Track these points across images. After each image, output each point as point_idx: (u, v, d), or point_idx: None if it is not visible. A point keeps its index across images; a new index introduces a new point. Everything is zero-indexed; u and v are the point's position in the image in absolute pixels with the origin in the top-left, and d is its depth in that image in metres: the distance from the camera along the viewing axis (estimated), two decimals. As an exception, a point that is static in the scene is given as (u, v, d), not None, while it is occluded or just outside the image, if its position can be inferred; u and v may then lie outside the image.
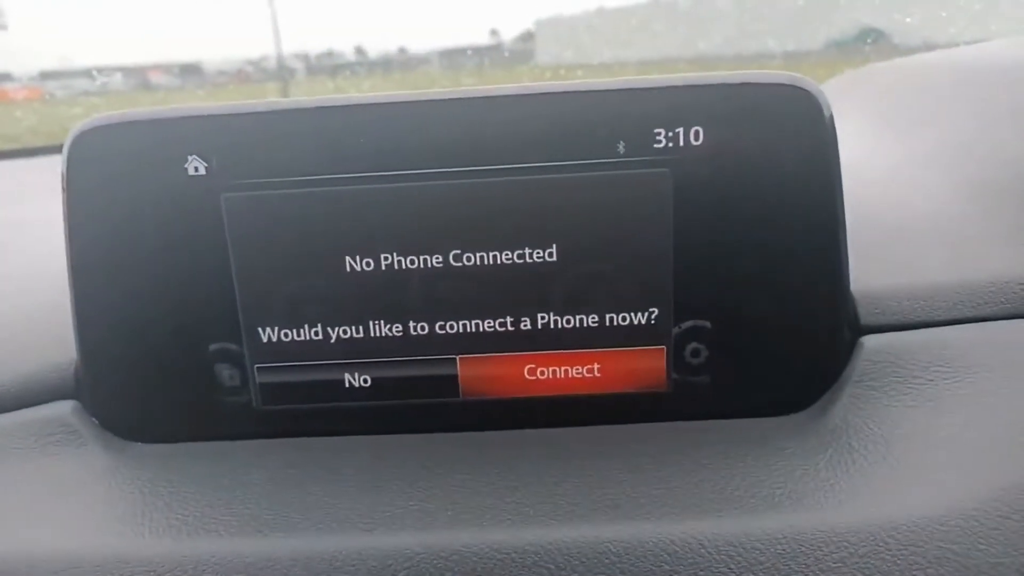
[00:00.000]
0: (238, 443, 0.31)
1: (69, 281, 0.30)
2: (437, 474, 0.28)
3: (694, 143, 0.28)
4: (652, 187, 0.28)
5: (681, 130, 0.28)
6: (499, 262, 0.29)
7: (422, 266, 0.29)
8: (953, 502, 0.24)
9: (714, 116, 0.28)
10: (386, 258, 0.29)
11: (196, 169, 0.29)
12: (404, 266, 0.29)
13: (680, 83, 0.28)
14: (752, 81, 0.28)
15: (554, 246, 0.29)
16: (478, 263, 0.29)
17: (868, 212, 0.35)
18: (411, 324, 0.30)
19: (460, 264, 0.29)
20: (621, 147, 0.28)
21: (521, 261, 0.29)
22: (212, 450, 0.31)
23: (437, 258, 0.29)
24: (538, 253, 0.29)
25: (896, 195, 0.38)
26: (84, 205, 0.30)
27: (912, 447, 0.27)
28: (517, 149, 0.28)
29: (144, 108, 0.29)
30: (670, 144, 0.28)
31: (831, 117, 0.28)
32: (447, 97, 0.28)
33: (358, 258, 0.29)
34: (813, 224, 0.29)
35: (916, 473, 0.26)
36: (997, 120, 0.39)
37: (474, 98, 0.28)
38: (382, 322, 0.30)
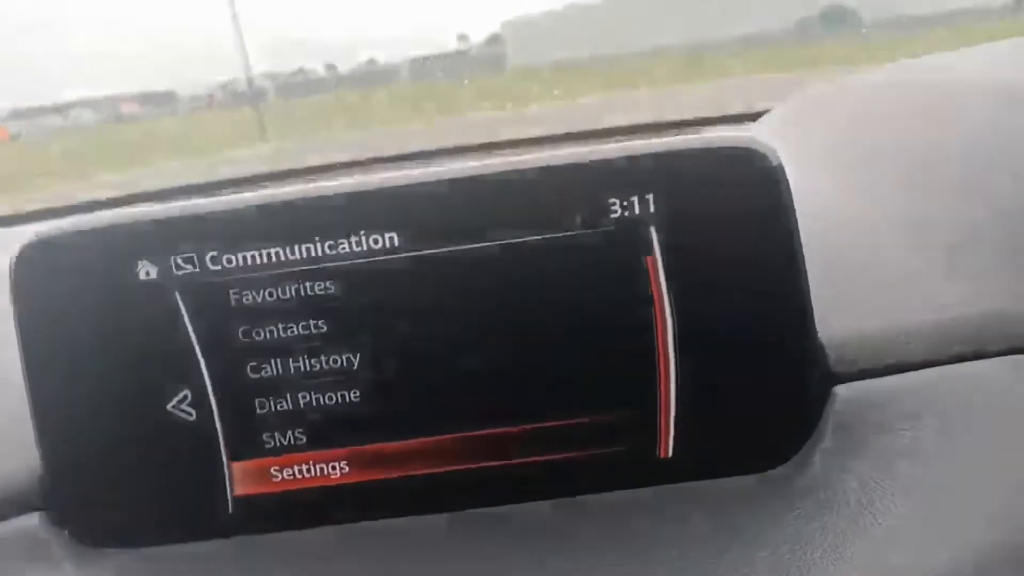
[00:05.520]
0: (215, 544, 0.30)
1: (27, 392, 0.30)
2: (414, 562, 0.28)
3: (649, 210, 0.28)
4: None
5: (636, 199, 0.28)
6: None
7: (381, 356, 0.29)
8: (936, 563, 0.24)
9: (666, 182, 0.28)
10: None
11: (148, 273, 0.29)
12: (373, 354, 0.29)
13: (632, 152, 0.28)
14: (701, 147, 0.28)
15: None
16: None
17: (831, 254, 0.35)
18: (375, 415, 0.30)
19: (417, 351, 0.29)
20: (578, 220, 0.28)
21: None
22: (188, 553, 0.30)
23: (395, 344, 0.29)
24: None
25: (858, 233, 0.38)
26: (35, 319, 0.29)
27: (891, 502, 0.26)
28: (475, 228, 0.28)
29: (89, 216, 0.29)
30: (626, 213, 0.28)
31: (783, 173, 0.28)
32: (395, 184, 0.28)
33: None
34: (775, 280, 0.29)
35: (896, 530, 0.25)
36: (954, 148, 0.39)
37: (423, 183, 0.28)
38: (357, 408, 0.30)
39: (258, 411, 0.30)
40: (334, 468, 0.30)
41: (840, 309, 0.32)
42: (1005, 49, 0.52)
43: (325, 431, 0.30)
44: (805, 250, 0.29)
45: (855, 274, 0.35)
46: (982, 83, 0.43)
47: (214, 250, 0.29)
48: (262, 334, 0.29)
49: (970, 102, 0.42)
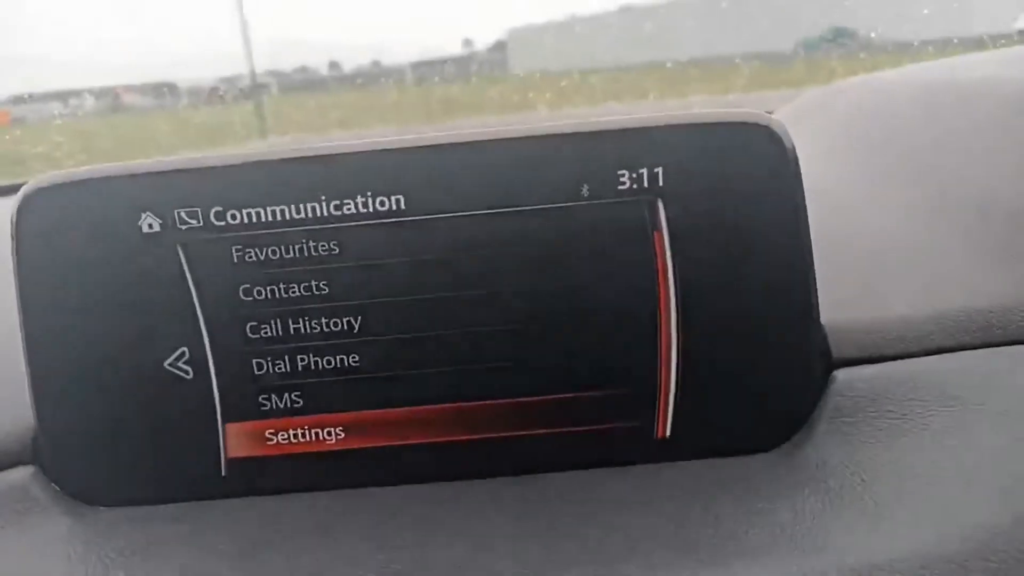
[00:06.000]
0: (207, 503, 0.30)
1: (22, 343, 0.29)
2: (405, 530, 0.28)
3: (658, 184, 0.28)
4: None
5: (645, 171, 0.28)
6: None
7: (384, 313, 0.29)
8: (934, 546, 0.24)
9: (677, 156, 0.28)
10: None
11: (151, 226, 0.28)
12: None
13: (642, 124, 0.28)
14: (713, 121, 0.28)
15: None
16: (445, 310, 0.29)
17: (837, 242, 0.35)
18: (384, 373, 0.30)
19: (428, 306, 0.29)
20: (585, 190, 0.28)
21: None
22: (179, 512, 0.30)
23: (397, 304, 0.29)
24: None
25: (865, 222, 0.38)
26: (35, 265, 0.29)
27: (890, 486, 0.26)
28: (481, 194, 0.28)
29: (95, 165, 0.29)
30: (634, 186, 0.28)
31: (793, 152, 0.28)
32: (402, 147, 0.28)
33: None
34: (780, 260, 0.29)
35: (895, 514, 0.25)
36: (962, 142, 0.40)
37: (430, 147, 0.28)
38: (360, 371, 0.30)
39: (256, 372, 0.29)
40: (329, 434, 0.30)
41: (843, 295, 0.32)
42: (1012, 54, 0.52)
43: (322, 396, 0.30)
44: (811, 234, 0.29)
45: (859, 261, 0.35)
46: (988, 81, 0.43)
47: (218, 206, 0.28)
48: (263, 293, 0.29)
49: (976, 99, 0.42)
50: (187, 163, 0.29)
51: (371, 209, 0.28)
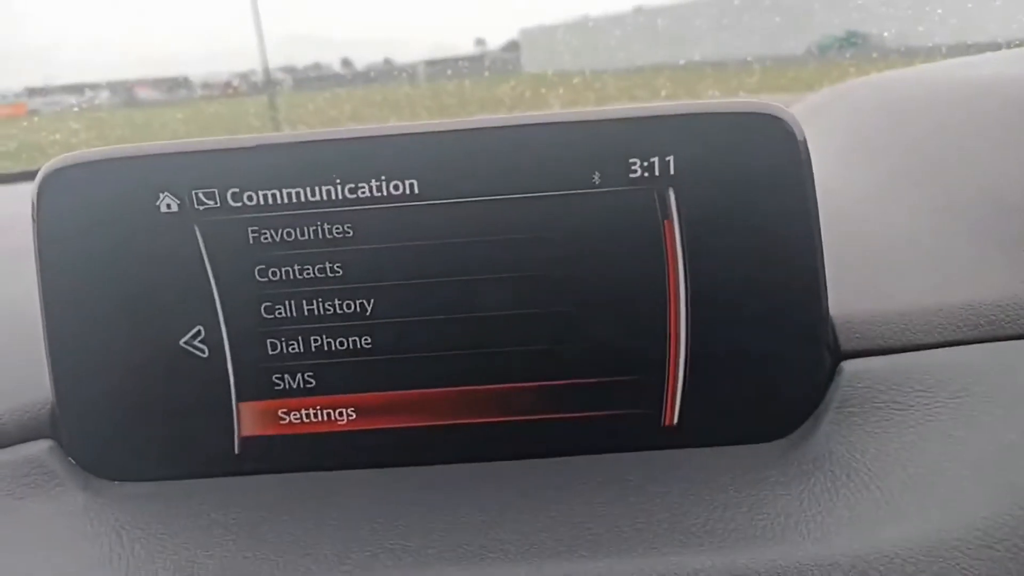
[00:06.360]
0: (220, 480, 0.31)
1: (42, 320, 0.30)
2: (414, 510, 0.28)
3: (669, 173, 0.28)
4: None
5: (656, 160, 0.28)
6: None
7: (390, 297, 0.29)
8: (938, 533, 0.24)
9: (688, 145, 0.28)
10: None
11: (169, 206, 0.29)
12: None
13: (654, 113, 0.28)
14: (725, 111, 0.28)
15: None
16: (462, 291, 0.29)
17: (846, 235, 0.35)
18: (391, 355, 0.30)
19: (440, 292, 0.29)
20: (596, 178, 0.28)
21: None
22: (193, 488, 0.30)
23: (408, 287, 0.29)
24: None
25: (874, 217, 0.38)
26: (55, 244, 0.29)
27: (896, 476, 0.27)
28: (493, 180, 0.28)
29: (114, 146, 0.29)
30: (645, 174, 0.28)
31: (804, 143, 0.28)
32: (416, 132, 0.29)
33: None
34: (790, 250, 0.29)
35: (901, 504, 0.25)
36: (972, 139, 0.40)
37: (444, 132, 0.29)
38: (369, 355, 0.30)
39: (270, 352, 0.30)
40: (341, 415, 0.30)
41: (851, 287, 0.32)
42: (1021, 53, 0.52)
43: (334, 376, 0.30)
44: (821, 228, 0.29)
45: (868, 254, 0.35)
46: (996, 80, 0.43)
47: (235, 187, 0.29)
48: (278, 274, 0.29)
49: (984, 97, 0.42)
50: (205, 144, 0.29)
51: (385, 193, 0.29)
